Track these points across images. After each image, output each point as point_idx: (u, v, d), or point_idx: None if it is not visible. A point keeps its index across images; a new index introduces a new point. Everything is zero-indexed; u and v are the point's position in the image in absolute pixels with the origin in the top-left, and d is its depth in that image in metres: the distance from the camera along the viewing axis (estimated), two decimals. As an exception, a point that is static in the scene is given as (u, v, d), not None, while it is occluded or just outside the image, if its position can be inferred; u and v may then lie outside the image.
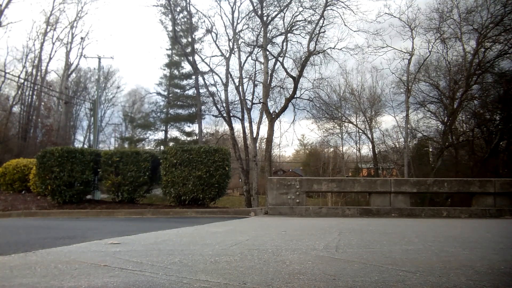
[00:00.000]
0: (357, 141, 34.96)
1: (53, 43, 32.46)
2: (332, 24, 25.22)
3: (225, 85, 22.32)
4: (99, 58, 26.61)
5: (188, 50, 25.13)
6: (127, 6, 71.77)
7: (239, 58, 22.62)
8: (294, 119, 33.62)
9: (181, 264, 2.57)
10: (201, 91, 26.70)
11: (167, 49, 34.05)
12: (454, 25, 22.31)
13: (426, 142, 28.36)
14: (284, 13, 22.38)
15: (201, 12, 36.12)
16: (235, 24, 22.51)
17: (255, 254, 2.97)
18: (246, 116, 22.71)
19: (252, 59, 23.16)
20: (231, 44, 22.73)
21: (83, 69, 40.30)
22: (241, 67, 22.54)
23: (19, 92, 30.78)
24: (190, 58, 23.40)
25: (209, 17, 37.65)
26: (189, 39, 25.32)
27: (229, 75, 22.39)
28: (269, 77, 22.14)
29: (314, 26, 21.68)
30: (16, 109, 31.29)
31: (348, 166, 37.91)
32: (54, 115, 34.52)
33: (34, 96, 32.16)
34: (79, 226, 6.74)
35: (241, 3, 32.85)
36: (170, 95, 35.19)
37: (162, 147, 30.78)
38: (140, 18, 75.22)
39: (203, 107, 28.75)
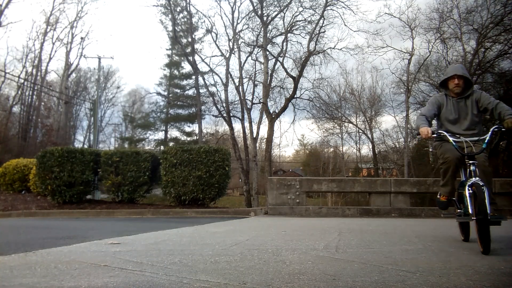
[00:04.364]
0: (357, 141, 34.91)
1: (53, 43, 32.42)
2: (332, 24, 25.14)
3: (225, 85, 22.32)
4: (99, 58, 26.61)
5: (188, 50, 25.12)
6: (127, 6, 71.68)
7: (239, 58, 22.64)
8: (294, 119, 33.61)
9: (181, 264, 2.57)
10: (201, 91, 26.70)
11: (167, 49, 34.09)
12: (454, 25, 22.28)
13: (426, 142, 28.34)
14: (284, 13, 22.41)
15: (201, 12, 36.09)
16: (235, 24, 22.52)
17: (255, 254, 2.97)
18: (246, 116, 22.72)
19: (252, 59, 23.17)
20: (231, 44, 22.74)
21: (83, 69, 40.15)
22: (241, 67, 22.54)
23: (19, 92, 30.75)
24: (190, 58, 23.40)
25: (209, 17, 37.61)
26: (189, 39, 25.31)
27: (229, 75, 22.40)
28: (269, 77, 22.14)
29: (314, 26, 21.70)
30: (16, 109, 31.27)
31: (348, 166, 37.87)
32: (54, 115, 34.50)
33: (34, 96, 32.12)
34: (79, 226, 6.75)
35: (241, 3, 32.79)
36: (170, 95, 35.21)
37: (162, 147, 30.77)
38: (140, 18, 75.19)
39: (203, 107, 28.75)
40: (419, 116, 3.80)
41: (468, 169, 3.33)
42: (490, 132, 3.35)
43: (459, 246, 3.57)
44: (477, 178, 3.19)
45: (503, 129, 3.35)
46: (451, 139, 3.44)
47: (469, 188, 3.23)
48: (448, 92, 3.81)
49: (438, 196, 3.93)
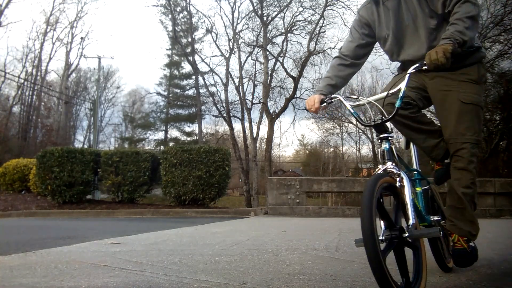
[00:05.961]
0: (357, 141, 34.96)
1: (53, 43, 32.39)
2: (332, 24, 25.33)
3: (225, 85, 22.33)
4: (99, 58, 26.57)
5: (188, 50, 25.12)
6: (127, 6, 71.61)
7: (239, 58, 22.64)
8: (294, 119, 33.66)
9: (181, 264, 2.57)
10: (201, 91, 26.69)
11: (167, 49, 34.06)
12: (454, 25, 22.28)
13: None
14: (284, 13, 22.40)
15: (201, 12, 36.15)
16: (235, 24, 22.53)
17: (255, 254, 2.97)
18: (246, 116, 22.72)
19: (252, 59, 23.16)
20: (231, 44, 22.74)
21: (83, 69, 40.10)
22: (241, 67, 22.55)
23: (19, 92, 30.72)
24: (190, 58, 23.41)
25: (209, 17, 37.55)
26: (189, 39, 25.31)
27: (229, 75, 22.40)
28: (269, 77, 22.14)
29: (314, 26, 21.68)
30: (16, 109, 31.23)
31: (348, 166, 37.88)
32: (54, 115, 34.49)
33: (34, 96, 32.10)
34: (79, 226, 6.75)
35: (241, 3, 32.76)
36: (170, 95, 35.21)
37: (162, 147, 30.78)
38: (140, 18, 75.15)
39: (203, 107, 28.73)
40: (333, 62, 2.36)
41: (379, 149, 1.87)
42: (407, 77, 1.82)
43: (459, 246, 3.56)
44: (391, 164, 1.75)
45: (424, 68, 1.78)
46: (347, 104, 2.05)
47: None
48: None
49: None
